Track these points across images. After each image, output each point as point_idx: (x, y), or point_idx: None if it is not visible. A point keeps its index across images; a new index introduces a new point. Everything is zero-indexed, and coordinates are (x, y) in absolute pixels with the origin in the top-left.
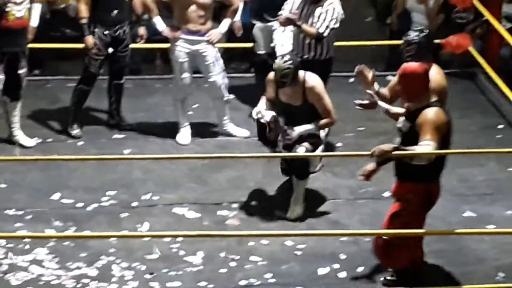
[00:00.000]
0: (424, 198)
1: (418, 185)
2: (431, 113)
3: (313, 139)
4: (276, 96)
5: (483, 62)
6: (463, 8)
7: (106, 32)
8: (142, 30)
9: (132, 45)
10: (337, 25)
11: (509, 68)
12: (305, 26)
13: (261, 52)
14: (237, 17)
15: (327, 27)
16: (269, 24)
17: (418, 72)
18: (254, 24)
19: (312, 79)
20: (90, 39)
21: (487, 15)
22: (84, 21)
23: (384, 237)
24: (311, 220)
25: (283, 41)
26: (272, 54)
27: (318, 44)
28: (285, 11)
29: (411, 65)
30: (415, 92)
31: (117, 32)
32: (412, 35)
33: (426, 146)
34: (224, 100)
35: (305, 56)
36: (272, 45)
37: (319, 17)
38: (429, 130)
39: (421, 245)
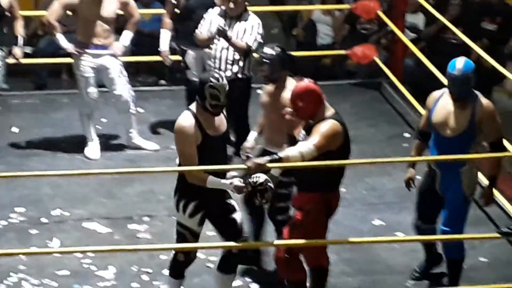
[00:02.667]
0: (322, 208)
1: (316, 195)
2: (324, 124)
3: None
4: (205, 135)
5: (388, 72)
6: (368, 19)
7: None
8: (16, 50)
9: (37, 60)
10: (262, 41)
11: (414, 77)
12: (234, 39)
13: (194, 79)
14: (165, 47)
15: (255, 40)
16: (203, 50)
17: (311, 89)
18: (185, 50)
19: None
20: None
21: (392, 25)
22: None
23: (284, 248)
24: None
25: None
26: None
27: (241, 60)
28: (204, 29)
29: (303, 85)
30: (312, 110)
31: None
32: (265, 53)
33: (303, 146)
34: (131, 113)
35: (228, 74)
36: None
37: (244, 31)
38: (315, 136)
39: (324, 255)
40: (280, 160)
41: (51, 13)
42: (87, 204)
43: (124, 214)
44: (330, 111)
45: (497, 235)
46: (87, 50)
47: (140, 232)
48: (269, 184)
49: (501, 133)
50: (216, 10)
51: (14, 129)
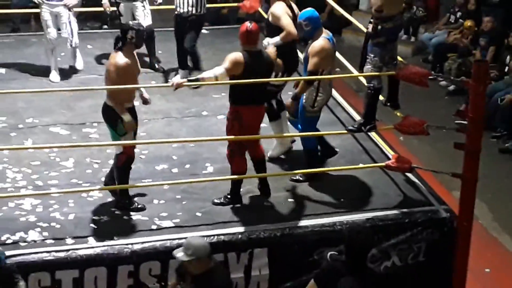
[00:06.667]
0: (234, 119)
1: (231, 107)
2: (232, 53)
3: None
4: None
5: (264, 15)
6: None
7: None
8: None
9: (8, 11)
10: None
11: None
12: None
13: (125, 24)
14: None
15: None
16: (132, 3)
17: (242, 29)
18: (118, 3)
19: None
20: None
21: None
22: None
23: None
24: (150, 133)
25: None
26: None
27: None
28: None
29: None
30: (241, 41)
31: None
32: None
33: (217, 69)
34: (73, 47)
35: (184, 11)
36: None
37: None
38: (226, 62)
39: (259, 148)
40: (197, 80)
41: None
42: (52, 114)
43: (79, 121)
44: (249, 47)
45: (345, 131)
46: (46, 1)
47: (91, 134)
48: None
49: (316, 67)
50: None
51: None
